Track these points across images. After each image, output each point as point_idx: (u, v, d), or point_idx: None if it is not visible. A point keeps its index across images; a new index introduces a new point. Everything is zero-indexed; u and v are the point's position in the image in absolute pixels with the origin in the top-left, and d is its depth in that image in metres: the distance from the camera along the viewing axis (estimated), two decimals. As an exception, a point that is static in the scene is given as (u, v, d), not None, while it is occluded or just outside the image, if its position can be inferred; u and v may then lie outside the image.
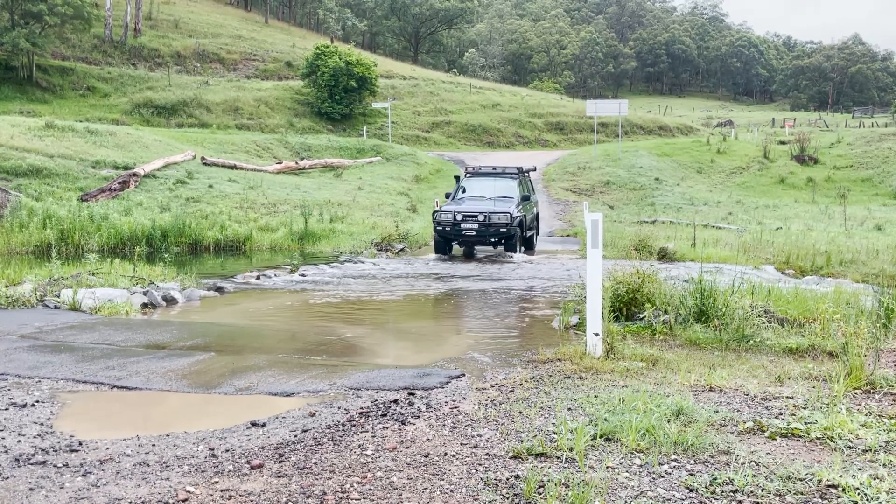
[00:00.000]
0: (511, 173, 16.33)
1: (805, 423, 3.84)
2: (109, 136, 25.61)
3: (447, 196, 16.51)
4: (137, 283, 9.08)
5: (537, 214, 17.76)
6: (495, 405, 4.23)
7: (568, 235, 19.95)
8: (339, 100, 43.48)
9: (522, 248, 15.64)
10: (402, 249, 16.02)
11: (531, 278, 11.54)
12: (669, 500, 2.87)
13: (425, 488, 2.97)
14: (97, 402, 4.55)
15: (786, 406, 4.22)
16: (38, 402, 4.33)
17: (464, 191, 16.09)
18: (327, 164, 30.49)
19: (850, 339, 5.14)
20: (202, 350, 5.99)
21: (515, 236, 14.88)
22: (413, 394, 4.54)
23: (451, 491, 2.94)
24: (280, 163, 28.63)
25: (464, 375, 5.06)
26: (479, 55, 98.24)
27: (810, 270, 12.73)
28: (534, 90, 74.76)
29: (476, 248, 15.74)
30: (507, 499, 2.86)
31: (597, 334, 5.48)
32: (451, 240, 15.14)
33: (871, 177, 34.34)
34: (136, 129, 29.76)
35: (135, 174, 20.25)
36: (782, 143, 41.68)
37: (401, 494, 2.91)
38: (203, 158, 24.79)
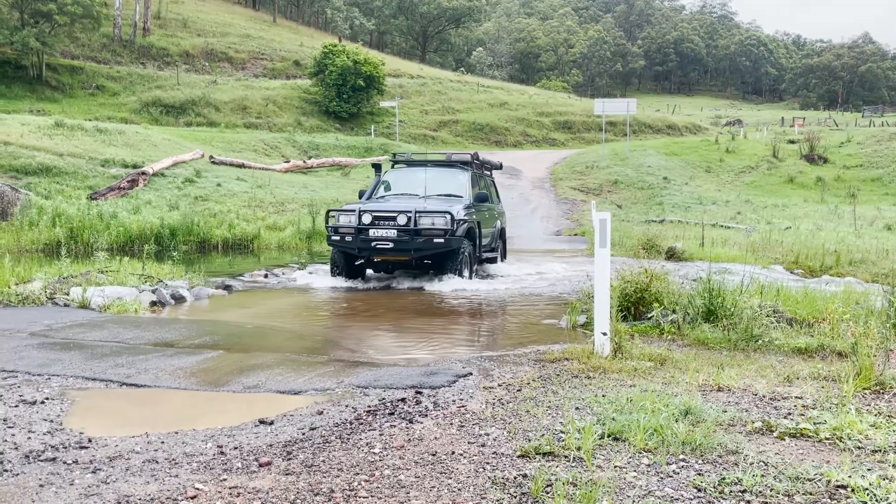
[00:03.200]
0: (460, 163, 11.52)
1: (814, 423, 3.82)
2: (118, 134, 25.72)
3: (361, 196, 11.38)
4: (146, 282, 9.12)
5: (503, 230, 12.85)
6: (503, 404, 4.23)
7: (576, 234, 19.92)
8: (346, 99, 43.55)
9: (474, 274, 10.53)
10: (409, 248, 16.02)
11: (545, 275, 11.52)
12: (678, 499, 2.86)
13: (433, 487, 2.97)
14: (106, 399, 4.57)
15: (795, 406, 4.21)
16: (47, 399, 4.36)
17: (387, 188, 11.30)
18: (335, 162, 30.56)
19: (859, 340, 5.11)
20: (210, 348, 6.01)
21: (460, 254, 9.96)
22: (420, 392, 4.54)
23: (459, 489, 2.94)
24: (288, 162, 28.71)
25: (471, 374, 5.06)
26: (487, 54, 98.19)
27: (819, 270, 12.68)
28: (541, 89, 74.66)
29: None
30: (515, 497, 2.86)
31: (605, 334, 5.47)
32: (354, 256, 10.25)
33: (881, 176, 34.14)
34: (145, 128, 29.88)
35: (143, 173, 20.33)
36: (792, 142, 41.49)
37: (408, 493, 2.91)
38: (211, 157, 24.88)
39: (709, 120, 67.90)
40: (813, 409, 4.13)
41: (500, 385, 4.72)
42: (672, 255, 13.60)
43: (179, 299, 8.66)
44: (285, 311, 8.50)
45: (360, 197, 11.26)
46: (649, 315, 6.83)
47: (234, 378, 4.97)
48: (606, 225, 5.52)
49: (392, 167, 12.05)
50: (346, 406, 4.25)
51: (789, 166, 35.94)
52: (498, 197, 13.13)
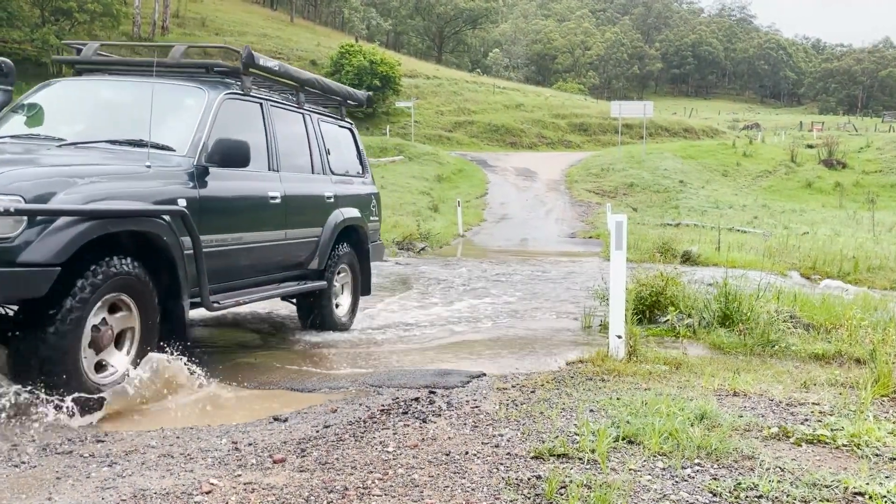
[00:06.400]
0: (206, 71, 5.39)
1: (831, 429, 3.79)
2: (136, 132, 25.92)
3: None
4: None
5: (354, 232, 6.80)
6: (516, 405, 4.22)
7: (590, 237, 19.86)
8: (362, 99, 43.63)
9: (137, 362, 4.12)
10: (423, 248, 16.04)
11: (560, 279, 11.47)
12: (692, 504, 2.85)
13: (447, 486, 2.97)
14: (121, 393, 4.59)
15: (811, 412, 4.17)
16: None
17: (33, 119, 5.23)
18: (350, 162, 30.64)
19: (877, 346, 5.06)
20: (224, 343, 6.04)
21: (65, 304, 3.66)
22: (434, 392, 4.54)
23: (473, 489, 2.94)
24: (304, 161, 28.84)
25: (485, 375, 5.06)
26: (503, 55, 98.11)
27: (837, 276, 12.57)
28: (558, 91, 74.53)
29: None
30: (529, 498, 2.85)
31: (619, 336, 5.44)
32: None
33: (900, 182, 33.79)
34: (163, 126, 30.07)
35: (161, 170, 20.46)
36: (810, 146, 41.19)
37: (422, 492, 2.91)
38: (228, 155, 25.02)
39: (726, 123, 67.49)
40: (830, 415, 4.09)
41: (513, 386, 4.71)
42: (687, 258, 13.52)
43: (195, 296, 8.68)
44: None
45: None
46: (664, 319, 6.79)
47: (249, 374, 4.99)
48: (622, 227, 5.49)
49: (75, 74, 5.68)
50: (360, 405, 4.26)
51: (807, 171, 35.65)
52: (362, 166, 7.34)
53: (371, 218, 7.24)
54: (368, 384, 4.77)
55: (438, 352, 6.11)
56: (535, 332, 7.17)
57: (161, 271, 4.33)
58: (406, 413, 4.06)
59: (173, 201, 4.37)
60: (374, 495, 2.86)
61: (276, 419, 3.95)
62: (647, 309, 7.01)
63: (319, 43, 59.52)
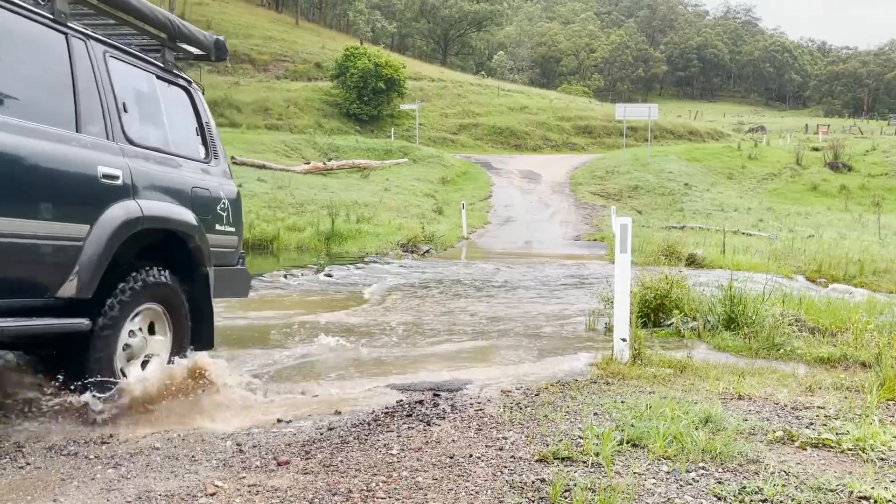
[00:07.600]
0: None
1: (836, 433, 3.77)
2: (142, 134, 26.00)
3: None
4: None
5: (177, 240, 4.22)
6: (520, 408, 4.21)
7: (595, 240, 19.85)
8: (367, 101, 43.75)
9: None
10: (427, 251, 16.05)
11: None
12: (697, 508, 2.84)
13: (451, 489, 2.97)
14: (127, 395, 4.60)
15: (817, 416, 4.15)
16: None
17: None
18: (355, 164, 30.71)
19: (883, 350, 5.05)
20: (228, 347, 6.05)
21: None
22: (438, 395, 4.54)
23: (477, 493, 2.93)
24: (308, 163, 28.90)
25: (488, 378, 5.05)
26: (508, 58, 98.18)
27: (843, 279, 12.54)
28: (562, 93, 74.52)
29: None
30: (533, 502, 2.85)
31: (624, 340, 5.44)
32: None
33: (906, 185, 33.68)
34: (168, 128, 30.16)
35: (166, 172, 20.51)
36: (815, 149, 41.07)
37: (426, 494, 2.91)
38: (233, 158, 25.10)
39: (731, 126, 67.38)
40: (835, 419, 4.07)
41: (517, 389, 4.70)
42: (692, 261, 13.50)
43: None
44: (304, 309, 8.53)
45: None
46: (669, 322, 6.79)
47: (253, 377, 5.00)
48: (627, 230, 5.49)
49: None
50: (364, 407, 4.26)
51: (813, 174, 35.57)
52: (206, 147, 4.95)
53: (218, 228, 4.65)
54: (372, 386, 4.78)
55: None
56: (536, 336, 7.16)
57: None
58: (410, 416, 4.06)
59: None
60: (378, 498, 2.86)
61: (280, 421, 3.95)
62: (652, 312, 7.00)
63: (324, 45, 59.66)
